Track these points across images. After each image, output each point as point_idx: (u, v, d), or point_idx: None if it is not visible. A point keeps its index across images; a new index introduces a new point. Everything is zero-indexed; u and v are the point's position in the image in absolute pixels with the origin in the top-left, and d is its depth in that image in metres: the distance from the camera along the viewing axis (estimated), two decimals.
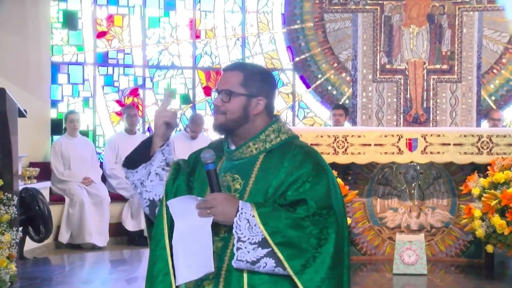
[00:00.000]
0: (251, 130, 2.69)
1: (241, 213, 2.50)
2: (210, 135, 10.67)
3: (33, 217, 7.40)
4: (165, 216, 2.68)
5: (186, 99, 11.17)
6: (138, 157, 2.79)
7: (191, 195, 2.68)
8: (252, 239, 2.48)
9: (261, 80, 2.70)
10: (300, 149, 2.68)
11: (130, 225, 9.41)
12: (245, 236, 2.48)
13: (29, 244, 8.04)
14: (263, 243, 2.48)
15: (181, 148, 9.72)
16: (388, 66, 8.96)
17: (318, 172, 2.61)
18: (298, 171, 2.59)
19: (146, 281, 2.72)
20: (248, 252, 2.48)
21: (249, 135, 2.68)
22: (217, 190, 2.55)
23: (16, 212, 5.86)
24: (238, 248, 2.49)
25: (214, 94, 2.73)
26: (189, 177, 2.79)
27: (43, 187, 8.77)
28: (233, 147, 2.72)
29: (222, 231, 2.59)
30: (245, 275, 2.55)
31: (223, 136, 2.80)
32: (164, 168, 2.76)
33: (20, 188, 7.09)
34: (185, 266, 2.55)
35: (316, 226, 2.52)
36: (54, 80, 10.57)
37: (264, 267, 2.49)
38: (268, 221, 2.48)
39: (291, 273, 2.47)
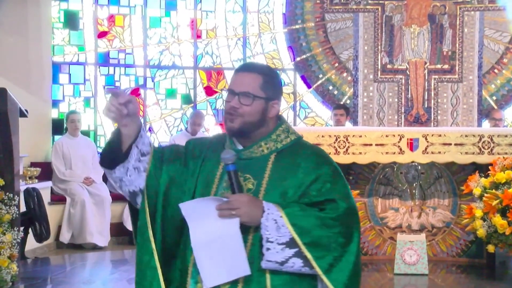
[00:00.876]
0: (264, 132, 2.68)
1: (268, 213, 2.49)
2: (210, 135, 10.69)
3: (32, 217, 7.42)
4: (147, 209, 2.63)
5: (187, 99, 11.17)
6: (113, 155, 2.68)
7: (192, 192, 2.66)
8: (280, 239, 2.48)
9: (276, 83, 2.72)
10: (312, 149, 2.72)
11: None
12: (273, 237, 2.48)
13: (31, 244, 8.04)
14: (290, 243, 2.48)
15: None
16: (389, 66, 8.96)
17: (336, 172, 2.66)
18: (316, 171, 2.61)
19: (135, 274, 2.68)
20: (277, 252, 2.48)
21: (260, 137, 2.67)
22: (238, 190, 2.53)
23: (18, 212, 5.86)
24: (267, 249, 2.48)
25: (230, 96, 2.65)
26: (185, 166, 2.73)
27: (44, 187, 8.77)
28: (239, 147, 2.69)
29: None
30: (267, 276, 2.54)
31: (221, 133, 2.80)
32: (140, 160, 2.68)
33: (22, 188, 7.10)
34: (213, 269, 2.51)
35: (343, 225, 2.55)
36: (55, 80, 10.57)
37: (292, 267, 2.50)
38: (296, 221, 2.49)
39: (320, 272, 2.49)
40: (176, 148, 2.81)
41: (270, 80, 2.68)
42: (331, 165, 2.67)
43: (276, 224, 2.48)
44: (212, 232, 2.50)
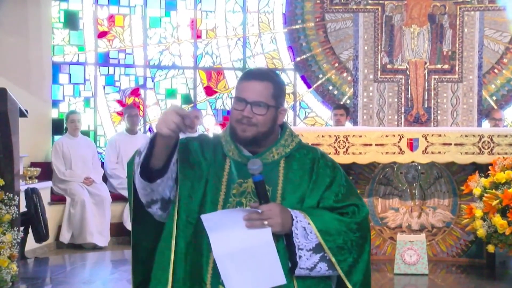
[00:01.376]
0: (272, 139, 2.70)
1: (297, 221, 2.53)
2: (210, 135, 10.69)
3: (31, 217, 7.42)
4: (175, 218, 2.61)
5: (187, 99, 11.17)
6: (151, 167, 2.58)
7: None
8: (308, 246, 2.54)
9: (284, 91, 2.73)
10: (316, 152, 2.78)
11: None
12: (302, 244, 2.53)
13: (31, 244, 8.04)
14: (316, 249, 2.55)
15: None
16: (389, 66, 8.96)
17: (345, 175, 2.76)
18: (330, 175, 2.69)
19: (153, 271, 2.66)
20: (307, 259, 2.54)
21: (269, 143, 2.69)
22: (266, 201, 2.52)
23: (17, 212, 5.86)
24: (299, 256, 2.53)
25: (240, 104, 2.60)
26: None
27: (44, 187, 8.77)
28: (246, 153, 2.67)
29: None
30: (295, 282, 2.57)
31: (218, 135, 2.78)
32: (172, 169, 2.63)
33: (23, 188, 7.10)
34: (241, 280, 2.48)
35: (363, 229, 2.67)
36: (55, 80, 10.57)
37: (319, 271, 2.58)
38: (323, 227, 2.55)
39: (342, 274, 2.58)
40: (183, 148, 2.71)
41: (280, 87, 2.69)
42: (340, 168, 2.75)
43: (305, 231, 2.53)
44: (239, 243, 2.48)
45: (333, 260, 2.54)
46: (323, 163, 2.70)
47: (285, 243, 2.56)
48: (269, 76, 2.67)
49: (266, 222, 2.47)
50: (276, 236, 2.52)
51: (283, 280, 2.50)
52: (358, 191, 7.27)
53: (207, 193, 2.64)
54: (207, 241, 2.52)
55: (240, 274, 2.47)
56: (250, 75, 2.65)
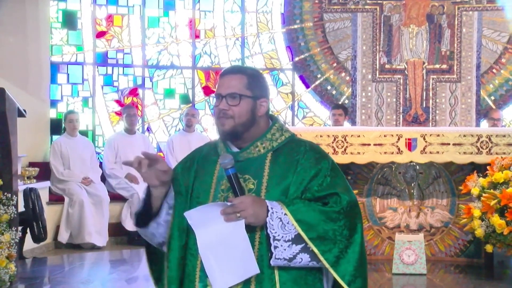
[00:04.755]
0: (256, 132, 2.72)
1: (272, 212, 2.54)
2: (209, 135, 10.70)
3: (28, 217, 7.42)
4: (166, 267, 2.73)
5: (185, 99, 11.17)
6: (144, 213, 2.75)
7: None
8: (286, 236, 2.53)
9: (262, 82, 2.76)
10: (308, 145, 2.77)
11: (130, 225, 9.40)
12: (279, 235, 2.53)
13: (29, 244, 8.04)
14: (296, 240, 2.54)
15: (179, 144, 9.79)
16: (387, 66, 8.95)
17: (334, 166, 2.72)
18: (316, 166, 2.66)
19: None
20: (285, 249, 2.53)
21: (254, 137, 2.72)
22: (241, 193, 2.57)
23: (16, 212, 5.86)
24: (275, 247, 2.53)
25: (217, 100, 2.71)
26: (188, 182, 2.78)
27: (43, 187, 8.77)
28: (234, 149, 2.73)
29: None
30: (276, 273, 2.59)
31: (215, 139, 2.83)
32: (168, 213, 2.74)
33: (21, 188, 7.09)
34: (221, 272, 2.55)
35: (348, 217, 2.61)
36: (53, 80, 10.56)
37: (300, 262, 2.56)
38: (301, 217, 2.54)
39: (327, 265, 2.55)
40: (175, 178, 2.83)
41: (255, 79, 2.73)
42: (328, 159, 2.72)
43: (281, 222, 2.54)
44: (217, 236, 2.55)
45: (316, 250, 2.53)
46: (310, 155, 2.69)
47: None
48: (242, 68, 2.79)
49: (238, 215, 2.52)
50: (261, 227, 2.57)
51: (256, 270, 2.55)
52: (356, 191, 7.31)
53: (193, 198, 2.74)
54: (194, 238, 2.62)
55: (220, 266, 2.55)
56: (224, 72, 2.76)
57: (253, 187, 2.66)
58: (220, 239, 2.54)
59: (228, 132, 2.69)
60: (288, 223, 2.53)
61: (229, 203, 2.55)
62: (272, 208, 2.54)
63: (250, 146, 2.71)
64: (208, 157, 2.78)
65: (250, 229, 2.57)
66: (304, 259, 2.55)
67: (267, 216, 2.54)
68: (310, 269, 2.62)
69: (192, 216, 2.58)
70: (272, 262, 2.54)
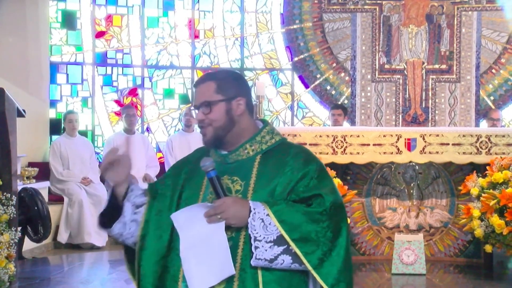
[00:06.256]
0: (239, 133, 2.72)
1: (254, 213, 2.53)
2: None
3: (32, 217, 7.40)
4: (136, 264, 2.73)
5: (184, 99, 11.18)
6: (110, 212, 2.76)
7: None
8: (268, 237, 2.52)
9: (233, 82, 2.74)
10: (298, 148, 2.77)
11: None
12: (260, 235, 2.52)
13: (28, 244, 8.04)
14: (279, 241, 2.52)
15: (179, 144, 9.78)
16: (387, 66, 8.96)
17: (322, 169, 2.70)
18: (304, 168, 2.65)
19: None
20: (266, 250, 2.52)
21: (239, 138, 2.72)
22: (223, 195, 2.58)
23: (15, 212, 5.86)
24: (256, 247, 2.52)
25: (194, 112, 2.73)
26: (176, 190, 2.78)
27: (42, 187, 8.76)
28: (224, 152, 2.74)
29: (229, 232, 2.59)
30: (259, 273, 2.58)
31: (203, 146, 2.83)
32: (135, 212, 2.75)
33: (19, 188, 7.09)
34: (200, 273, 2.56)
35: (331, 219, 2.58)
36: (53, 80, 10.57)
37: (281, 264, 2.54)
38: (283, 218, 2.52)
39: (310, 268, 2.52)
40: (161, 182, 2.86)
41: (226, 80, 2.72)
42: (317, 162, 2.71)
43: (263, 222, 2.53)
44: (199, 238, 2.56)
45: (298, 252, 2.50)
46: (299, 157, 2.69)
47: None
48: (210, 75, 2.77)
49: (219, 216, 2.53)
50: (245, 228, 2.56)
51: (231, 272, 2.55)
52: (356, 191, 7.32)
53: (188, 196, 2.74)
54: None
55: (199, 267, 2.56)
56: (194, 84, 2.77)
57: (240, 188, 2.67)
58: (201, 241, 2.55)
59: (210, 141, 2.71)
60: (270, 224, 2.52)
61: (210, 204, 2.57)
62: (254, 209, 2.54)
63: (239, 148, 2.72)
64: (200, 160, 2.76)
65: (236, 228, 2.57)
66: (286, 261, 2.54)
67: (249, 216, 2.53)
68: (295, 271, 2.60)
69: (178, 218, 2.60)
70: (252, 263, 2.54)
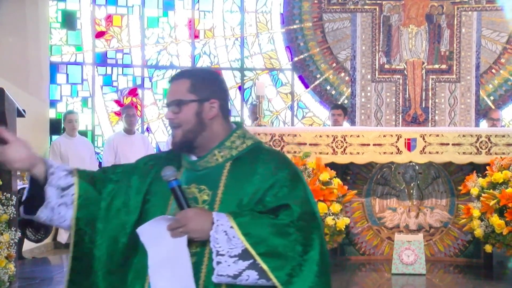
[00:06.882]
0: (211, 137, 2.54)
1: (217, 225, 2.35)
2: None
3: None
4: (72, 244, 2.58)
5: None
6: (34, 201, 2.57)
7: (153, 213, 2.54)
8: (232, 251, 2.34)
9: (210, 82, 2.56)
10: (271, 154, 2.58)
11: None
12: (223, 250, 2.34)
13: (28, 244, 8.04)
14: (244, 255, 2.34)
15: None
16: (387, 66, 8.96)
17: (294, 177, 2.51)
18: (273, 176, 2.47)
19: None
20: (229, 265, 2.34)
21: (210, 143, 2.54)
22: (186, 206, 2.41)
23: (15, 212, 5.86)
24: (218, 263, 2.34)
25: (166, 111, 2.57)
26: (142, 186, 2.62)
27: None
28: (194, 158, 2.57)
29: (194, 246, 2.42)
30: None
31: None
32: (62, 195, 2.55)
33: (19, 188, 7.09)
34: None
35: (301, 232, 2.39)
36: (53, 80, 10.57)
37: (246, 280, 2.35)
38: (249, 230, 2.34)
39: (278, 284, 2.33)
40: (117, 167, 2.70)
41: (202, 80, 2.54)
42: (290, 169, 2.52)
43: (227, 235, 2.34)
44: (163, 253, 2.42)
45: (265, 267, 2.31)
46: (269, 164, 2.50)
47: None
48: (185, 72, 2.60)
49: (180, 230, 2.37)
50: (208, 243, 2.39)
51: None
52: (356, 191, 7.32)
53: (150, 206, 2.58)
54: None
55: (164, 285, 2.42)
56: (169, 79, 2.60)
57: (207, 198, 2.49)
58: (166, 257, 2.41)
59: (178, 145, 2.53)
60: (234, 237, 2.33)
61: (173, 217, 2.41)
62: (217, 221, 2.35)
63: (207, 155, 2.53)
64: (170, 164, 2.57)
65: (202, 242, 2.40)
66: (251, 277, 2.34)
67: (212, 229, 2.35)
68: (266, 287, 2.38)
69: (144, 232, 2.45)
70: (214, 279, 2.35)
